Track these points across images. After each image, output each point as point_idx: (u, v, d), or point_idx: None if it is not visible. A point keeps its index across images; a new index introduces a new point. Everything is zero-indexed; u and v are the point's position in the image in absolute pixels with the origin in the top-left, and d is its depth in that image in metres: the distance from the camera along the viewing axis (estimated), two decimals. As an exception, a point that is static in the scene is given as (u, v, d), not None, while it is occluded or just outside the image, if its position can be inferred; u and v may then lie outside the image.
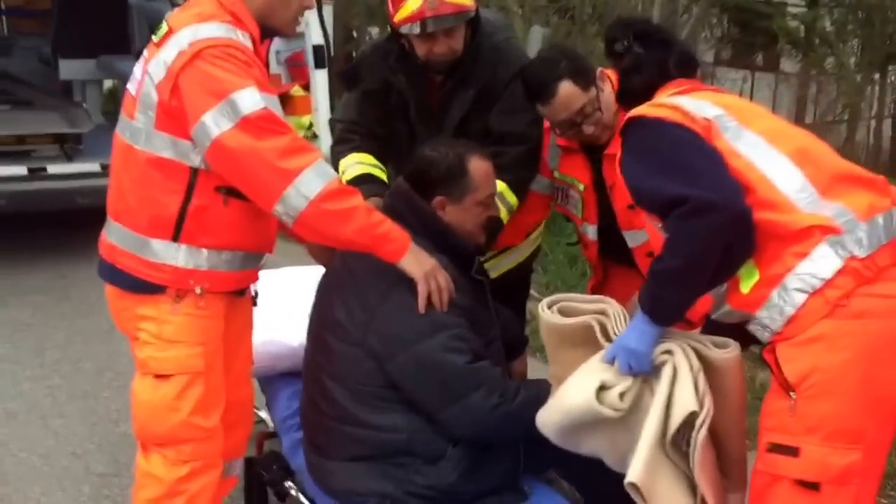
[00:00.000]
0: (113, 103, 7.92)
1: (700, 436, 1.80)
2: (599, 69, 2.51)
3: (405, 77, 2.69)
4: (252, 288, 2.40)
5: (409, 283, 2.11)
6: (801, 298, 1.73)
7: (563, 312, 2.05)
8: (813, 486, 1.72)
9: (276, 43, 5.20)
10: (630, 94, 2.09)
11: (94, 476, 3.17)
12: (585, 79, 2.44)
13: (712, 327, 1.98)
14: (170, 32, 2.11)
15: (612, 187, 2.52)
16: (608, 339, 1.95)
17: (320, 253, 2.41)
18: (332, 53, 4.96)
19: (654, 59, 2.10)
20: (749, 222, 1.75)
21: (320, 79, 4.96)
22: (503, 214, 2.63)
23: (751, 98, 12.25)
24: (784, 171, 1.80)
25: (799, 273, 1.73)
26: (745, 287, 1.80)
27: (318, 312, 2.35)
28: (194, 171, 2.11)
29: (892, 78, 11.67)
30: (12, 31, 7.11)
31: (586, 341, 1.99)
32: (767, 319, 1.78)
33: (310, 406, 2.35)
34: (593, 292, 2.79)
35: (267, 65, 2.24)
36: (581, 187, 2.60)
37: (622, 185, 2.01)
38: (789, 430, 1.74)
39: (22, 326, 4.48)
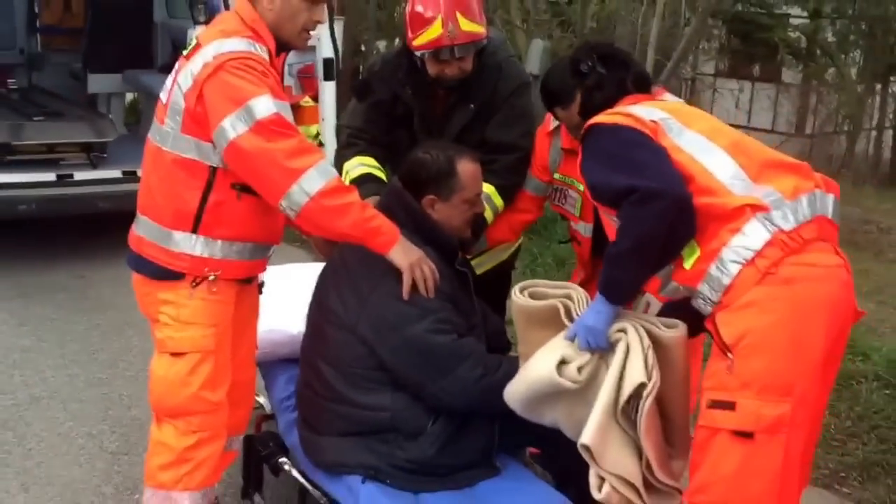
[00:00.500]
0: (134, 115, 8.10)
1: (646, 405, 1.96)
2: None
3: (412, 90, 2.83)
4: (260, 277, 2.55)
5: (398, 274, 2.24)
6: (735, 269, 1.89)
7: (533, 297, 2.20)
8: (748, 436, 1.86)
9: (289, 56, 5.38)
10: (593, 109, 2.26)
11: (106, 454, 3.34)
12: (567, 96, 2.47)
13: (670, 312, 2.14)
14: (198, 47, 2.27)
15: None
16: (571, 320, 2.11)
17: (323, 245, 2.57)
18: (341, 67, 5.08)
19: (614, 77, 2.30)
20: (690, 206, 1.92)
21: (329, 90, 5.09)
22: (489, 215, 2.79)
23: (750, 109, 12.34)
24: (720, 161, 1.99)
25: (733, 246, 1.90)
26: (688, 263, 1.97)
27: (316, 301, 2.48)
28: (213, 170, 2.26)
29: (894, 89, 11.72)
30: (46, 47, 7.24)
31: (552, 322, 2.14)
32: (708, 291, 1.94)
33: (305, 387, 2.49)
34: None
35: (282, 75, 2.41)
36: (581, 187, 2.65)
37: None
38: (727, 387, 1.89)
39: (45, 321, 4.63)
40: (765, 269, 1.88)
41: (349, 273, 2.39)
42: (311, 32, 2.40)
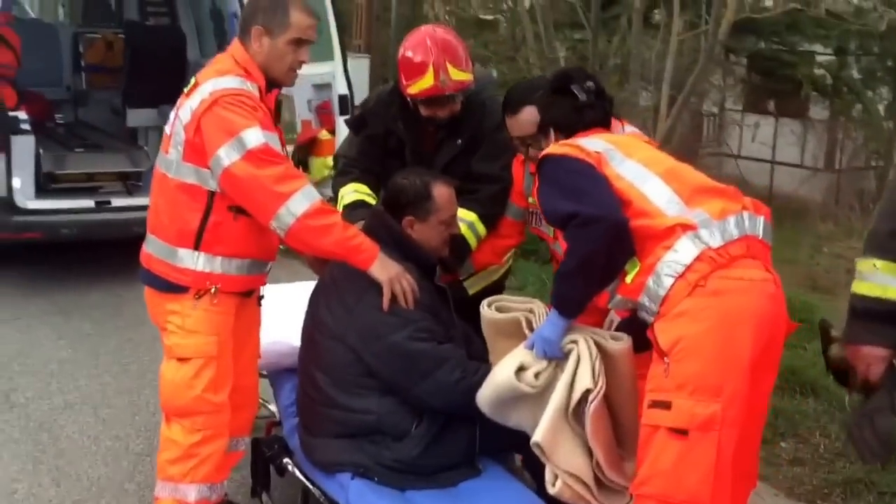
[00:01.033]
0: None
1: (591, 408, 2.13)
2: None
3: (404, 125, 3.03)
4: (260, 290, 2.74)
5: (380, 287, 2.40)
6: (669, 282, 2.06)
7: (500, 310, 2.41)
8: (683, 433, 2.01)
9: (309, 93, 5.62)
10: (580, 125, 2.40)
11: (131, 454, 3.59)
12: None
13: (626, 327, 2.34)
14: (196, 84, 2.47)
15: None
16: (532, 331, 2.30)
17: (316, 264, 2.75)
18: (356, 102, 5.28)
19: (603, 105, 2.48)
20: (625, 229, 2.10)
21: (344, 124, 5.21)
22: (472, 241, 2.98)
23: (774, 144, 12.32)
24: (655, 187, 2.17)
25: (666, 261, 2.07)
26: (629, 278, 2.16)
27: (310, 314, 2.65)
28: (211, 194, 2.45)
29: (923, 125, 11.60)
30: (90, 85, 7.62)
31: (515, 333, 2.34)
32: (648, 302, 2.10)
33: (302, 393, 2.67)
34: None
35: (272, 111, 2.58)
36: None
37: None
38: (664, 388, 2.05)
39: (82, 335, 4.92)
40: (694, 281, 2.04)
41: (337, 287, 2.57)
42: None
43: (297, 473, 2.71)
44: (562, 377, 2.21)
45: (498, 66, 10.85)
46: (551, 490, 2.22)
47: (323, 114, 5.54)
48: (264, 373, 3.15)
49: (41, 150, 5.78)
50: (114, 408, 4.04)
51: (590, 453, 2.21)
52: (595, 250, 2.10)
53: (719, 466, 2.03)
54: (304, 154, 5.25)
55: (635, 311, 2.23)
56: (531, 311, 2.38)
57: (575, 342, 2.23)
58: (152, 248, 2.59)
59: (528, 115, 2.72)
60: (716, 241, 2.09)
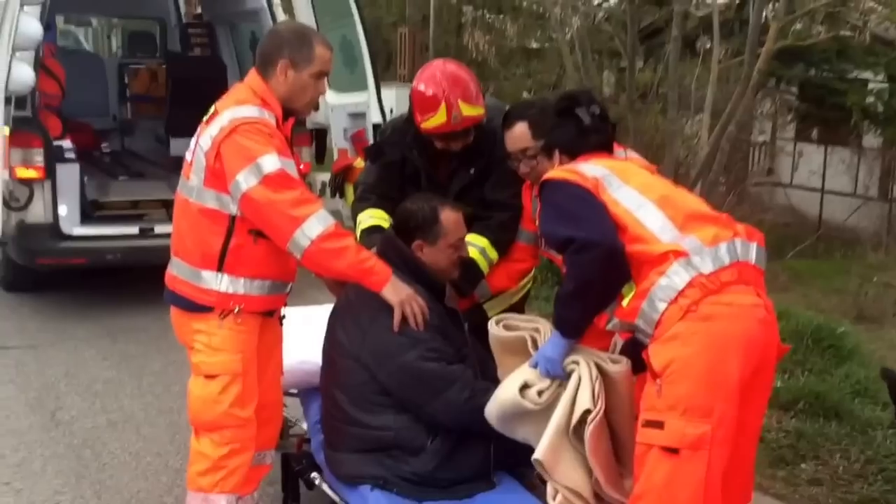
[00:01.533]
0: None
1: (590, 427, 2.21)
2: None
3: (419, 153, 3.13)
4: (282, 311, 2.83)
5: (392, 309, 2.49)
6: (662, 306, 2.12)
7: (508, 328, 2.49)
8: (674, 451, 2.07)
9: (344, 121, 5.75)
10: (584, 148, 2.47)
11: (171, 470, 3.71)
12: (541, 130, 2.72)
13: (630, 349, 2.39)
14: (215, 113, 2.56)
15: None
16: (537, 349, 2.39)
17: (334, 286, 2.85)
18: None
19: (606, 129, 2.57)
20: (620, 255, 2.16)
21: None
22: (483, 265, 3.06)
23: (824, 173, 12.11)
24: (650, 213, 2.23)
25: (660, 286, 2.12)
26: (626, 301, 2.23)
27: (328, 335, 2.75)
28: (233, 218, 2.53)
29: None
30: (135, 114, 7.83)
31: (521, 351, 2.42)
32: (643, 325, 2.16)
33: (324, 411, 2.79)
34: None
35: (289, 139, 2.69)
36: None
37: None
38: (656, 408, 2.11)
39: (127, 357, 5.09)
40: (686, 307, 2.10)
41: (352, 309, 2.69)
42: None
43: (325, 487, 2.81)
44: (563, 397, 2.29)
45: (538, 93, 10.86)
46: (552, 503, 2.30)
47: (358, 142, 5.62)
48: (295, 391, 3.26)
49: (86, 178, 5.96)
50: (155, 426, 4.18)
51: (589, 470, 2.29)
52: (591, 274, 2.18)
53: (709, 483, 2.09)
54: (339, 181, 5.37)
55: (634, 333, 2.30)
56: (537, 329, 2.47)
57: (577, 363, 2.31)
58: (177, 271, 2.68)
59: (519, 131, 2.81)
60: (707, 268, 2.14)
